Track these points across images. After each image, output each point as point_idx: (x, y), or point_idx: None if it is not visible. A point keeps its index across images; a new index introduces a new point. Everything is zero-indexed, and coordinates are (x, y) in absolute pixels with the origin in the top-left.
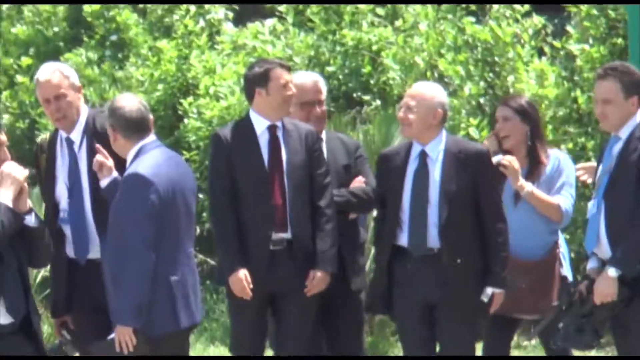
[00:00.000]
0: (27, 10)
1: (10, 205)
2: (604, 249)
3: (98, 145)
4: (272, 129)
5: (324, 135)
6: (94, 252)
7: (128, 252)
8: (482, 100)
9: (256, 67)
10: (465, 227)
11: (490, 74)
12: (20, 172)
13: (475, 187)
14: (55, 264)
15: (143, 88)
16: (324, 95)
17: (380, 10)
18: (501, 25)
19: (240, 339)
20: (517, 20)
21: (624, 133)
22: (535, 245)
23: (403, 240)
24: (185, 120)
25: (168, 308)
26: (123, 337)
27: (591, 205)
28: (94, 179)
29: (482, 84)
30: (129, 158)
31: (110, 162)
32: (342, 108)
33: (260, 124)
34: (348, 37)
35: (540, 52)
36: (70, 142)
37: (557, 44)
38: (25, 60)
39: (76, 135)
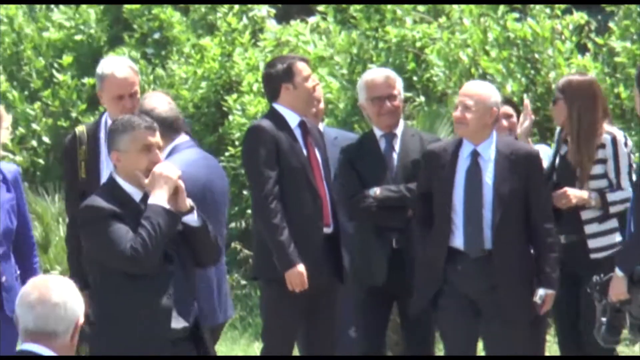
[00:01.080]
0: (58, 12)
1: (167, 206)
2: None
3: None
4: (302, 124)
5: (399, 130)
6: None
7: None
8: (524, 97)
9: (278, 63)
10: (516, 228)
11: (532, 71)
12: (174, 171)
13: (525, 189)
14: None
15: (187, 85)
16: (397, 90)
17: (421, 8)
18: (539, 21)
19: (281, 334)
20: (557, 17)
21: None
22: None
23: (456, 242)
24: (230, 117)
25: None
26: None
27: None
28: None
29: (523, 80)
30: (162, 157)
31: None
32: None
33: (292, 119)
34: (391, 34)
35: (583, 49)
36: None
37: (599, 40)
38: (66, 59)
39: None
